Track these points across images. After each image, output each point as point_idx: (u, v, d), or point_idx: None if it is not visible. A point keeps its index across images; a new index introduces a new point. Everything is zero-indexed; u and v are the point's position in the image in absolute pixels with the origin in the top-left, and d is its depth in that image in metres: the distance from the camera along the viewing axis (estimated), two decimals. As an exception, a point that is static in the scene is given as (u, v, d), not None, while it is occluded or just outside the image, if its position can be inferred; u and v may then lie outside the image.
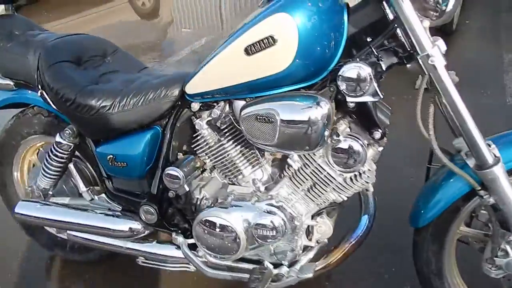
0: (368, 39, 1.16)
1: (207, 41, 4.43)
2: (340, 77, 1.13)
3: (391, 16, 1.11)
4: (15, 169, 1.81)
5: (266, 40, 1.11)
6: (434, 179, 1.33)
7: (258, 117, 1.17)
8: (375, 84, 1.12)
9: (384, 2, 1.12)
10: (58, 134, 1.51)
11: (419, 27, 1.06)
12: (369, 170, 1.25)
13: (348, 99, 1.15)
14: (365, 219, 1.41)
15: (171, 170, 1.38)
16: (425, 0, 1.07)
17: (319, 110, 1.11)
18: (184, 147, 1.49)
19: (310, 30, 1.10)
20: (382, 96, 1.13)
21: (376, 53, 1.15)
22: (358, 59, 1.15)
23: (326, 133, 1.15)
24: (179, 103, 1.39)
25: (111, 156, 1.44)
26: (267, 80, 1.18)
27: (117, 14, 5.90)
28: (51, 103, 1.45)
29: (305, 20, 1.09)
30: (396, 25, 1.10)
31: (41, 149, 1.79)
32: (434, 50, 1.07)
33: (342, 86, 1.13)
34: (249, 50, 1.14)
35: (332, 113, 1.15)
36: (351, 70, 1.11)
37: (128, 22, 5.44)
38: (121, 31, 4.96)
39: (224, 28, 4.90)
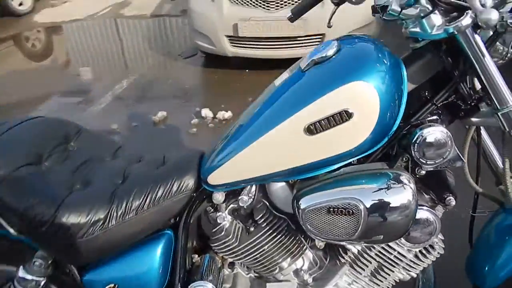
0: (428, 95, 1.01)
1: (129, 83, 3.96)
2: (416, 144, 0.94)
3: (449, 67, 0.98)
4: None
5: (338, 116, 0.88)
6: (490, 231, 1.22)
7: (332, 209, 0.92)
8: (456, 148, 0.96)
9: (441, 53, 0.98)
10: (21, 267, 1.07)
11: (500, 80, 0.93)
12: (440, 239, 1.09)
13: (426, 167, 0.97)
14: None
15: (199, 286, 1.06)
16: (496, 47, 0.95)
17: (408, 190, 0.91)
18: (194, 243, 1.18)
19: (387, 97, 0.90)
20: (465, 161, 0.97)
21: (439, 110, 1.00)
22: (425, 120, 0.99)
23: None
24: (195, 194, 1.08)
25: (112, 285, 1.05)
26: (327, 160, 0.95)
27: (3, 60, 5.07)
28: (8, 228, 1.01)
29: (382, 85, 0.90)
30: (460, 77, 0.97)
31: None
32: None
33: (419, 154, 0.95)
34: (314, 129, 0.90)
35: None
36: (429, 135, 0.93)
37: (23, 69, 4.66)
38: (20, 80, 4.22)
39: (129, 67, 4.45)
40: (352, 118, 0.89)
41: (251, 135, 0.97)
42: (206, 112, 3.17)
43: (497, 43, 0.95)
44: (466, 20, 0.88)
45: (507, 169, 1.03)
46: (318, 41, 3.60)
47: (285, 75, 1.05)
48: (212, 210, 1.13)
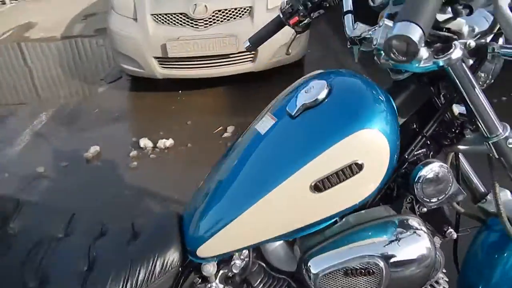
0: (416, 127, 0.97)
1: (49, 116, 3.53)
2: (419, 183, 0.89)
3: (432, 96, 0.96)
4: None
5: (349, 169, 0.80)
6: (477, 250, 1.22)
7: (350, 270, 0.83)
8: (456, 182, 0.93)
9: (423, 83, 0.96)
10: None
11: (490, 109, 0.91)
12: (444, 272, 1.06)
13: (429, 205, 0.93)
14: None
15: None
16: (477, 75, 0.94)
17: (423, 236, 0.87)
18: None
19: (393, 138, 0.84)
20: (465, 194, 0.95)
21: (428, 143, 0.97)
22: (421, 156, 0.96)
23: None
24: (180, 269, 0.93)
25: None
26: (332, 215, 0.86)
27: None
28: None
29: (386, 127, 0.84)
30: (448, 106, 0.95)
31: None
32: (509, 132, 0.94)
33: (423, 194, 0.90)
34: (322, 186, 0.81)
35: None
36: (431, 172, 0.89)
37: None
38: None
39: (45, 98, 4.00)
40: (362, 170, 0.81)
41: (245, 197, 0.85)
42: (145, 142, 2.93)
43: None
44: (457, 53, 0.85)
45: (498, 193, 1.03)
46: (251, 58, 3.54)
47: (268, 120, 0.94)
48: (200, 281, 0.98)
